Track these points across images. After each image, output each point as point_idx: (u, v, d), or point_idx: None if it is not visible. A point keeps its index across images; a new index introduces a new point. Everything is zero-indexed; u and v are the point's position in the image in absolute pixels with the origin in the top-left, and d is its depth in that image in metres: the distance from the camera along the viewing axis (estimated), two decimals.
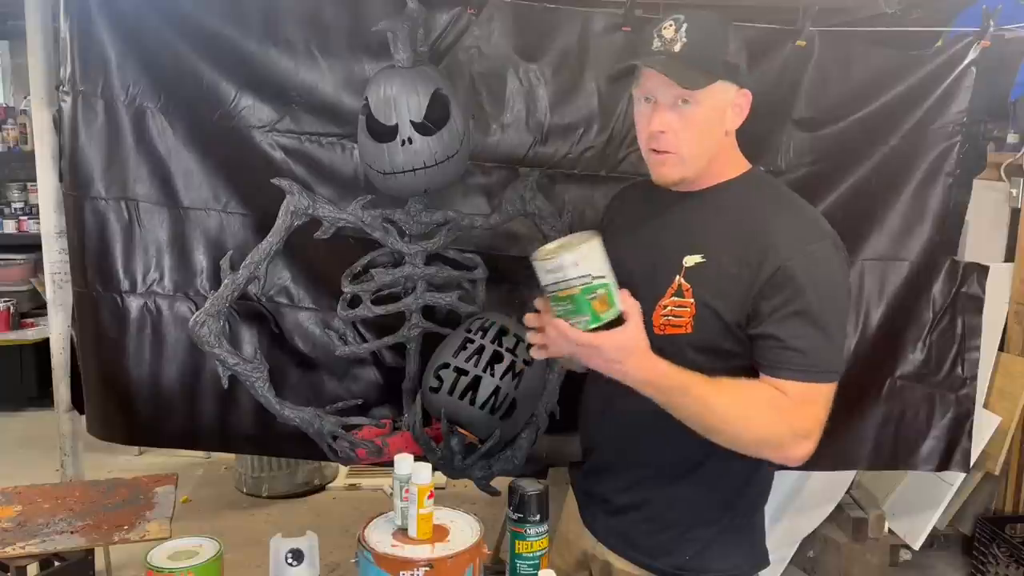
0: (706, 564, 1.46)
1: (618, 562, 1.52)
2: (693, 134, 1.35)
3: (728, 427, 1.30)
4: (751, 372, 1.36)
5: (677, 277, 1.37)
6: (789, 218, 1.38)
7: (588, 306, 1.22)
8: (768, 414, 1.30)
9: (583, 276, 1.21)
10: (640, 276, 1.38)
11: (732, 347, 1.36)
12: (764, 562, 1.53)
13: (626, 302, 1.25)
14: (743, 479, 1.47)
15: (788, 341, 1.30)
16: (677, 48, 1.32)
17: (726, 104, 1.37)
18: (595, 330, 1.23)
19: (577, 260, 1.21)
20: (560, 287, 1.22)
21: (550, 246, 1.26)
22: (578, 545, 1.61)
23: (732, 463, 1.38)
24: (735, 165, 1.44)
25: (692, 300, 1.35)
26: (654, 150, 1.38)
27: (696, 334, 1.35)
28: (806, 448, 1.31)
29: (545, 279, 1.24)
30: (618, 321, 1.24)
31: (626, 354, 1.25)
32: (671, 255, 1.39)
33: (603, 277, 1.22)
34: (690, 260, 1.37)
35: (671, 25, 1.33)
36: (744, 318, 1.33)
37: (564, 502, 1.69)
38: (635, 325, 1.25)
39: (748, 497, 1.50)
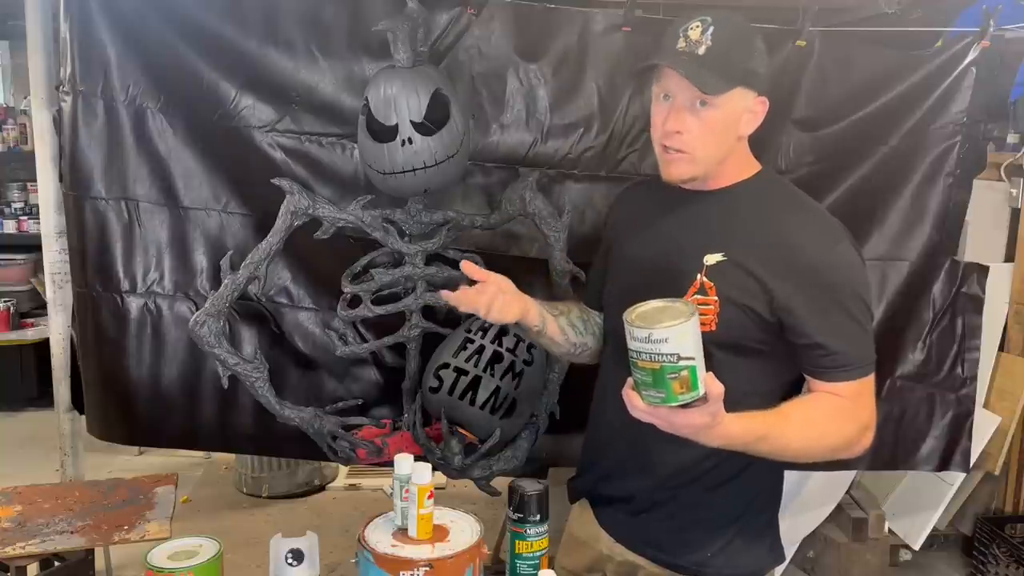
0: (728, 561, 1.47)
1: (642, 562, 1.51)
2: (707, 136, 1.36)
3: (806, 451, 1.35)
4: (771, 367, 1.39)
5: (699, 276, 1.37)
6: (809, 218, 1.40)
7: (667, 385, 1.16)
8: (837, 423, 1.34)
9: (670, 354, 1.14)
10: (657, 274, 1.39)
11: (755, 344, 1.37)
12: (781, 557, 1.55)
13: (710, 385, 1.18)
14: (763, 475, 1.47)
15: (834, 345, 1.33)
16: (701, 51, 1.32)
17: (743, 110, 1.38)
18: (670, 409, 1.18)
19: (668, 337, 1.14)
20: (643, 357, 1.16)
21: (646, 308, 1.21)
22: (592, 547, 1.60)
23: (752, 460, 1.39)
24: (747, 166, 1.45)
25: (716, 298, 1.36)
26: (666, 148, 1.38)
27: (720, 332, 1.35)
28: (870, 437, 1.37)
29: (630, 343, 1.18)
30: (697, 403, 1.18)
31: (699, 433, 1.22)
32: (690, 253, 1.39)
33: (691, 359, 1.15)
34: (711, 258, 1.37)
35: (698, 26, 1.33)
36: (774, 317, 1.34)
37: (571, 504, 1.68)
38: (716, 409, 1.19)
39: (767, 492, 1.52)
